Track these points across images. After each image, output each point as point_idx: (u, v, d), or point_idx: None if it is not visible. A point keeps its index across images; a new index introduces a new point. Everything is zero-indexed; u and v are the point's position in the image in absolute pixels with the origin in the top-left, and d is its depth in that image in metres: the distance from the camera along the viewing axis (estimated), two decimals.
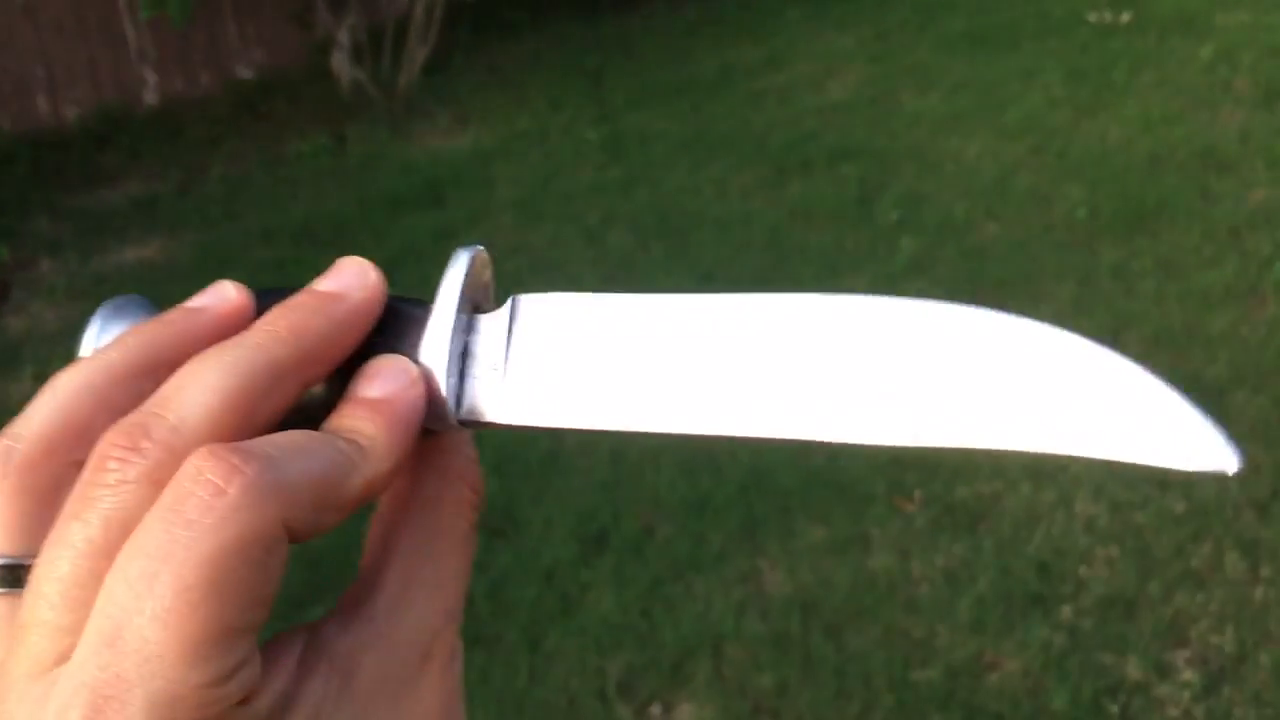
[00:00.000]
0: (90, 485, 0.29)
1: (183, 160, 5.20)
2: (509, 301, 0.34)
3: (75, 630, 0.28)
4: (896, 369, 0.30)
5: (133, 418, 0.30)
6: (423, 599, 0.33)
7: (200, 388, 0.30)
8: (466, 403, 0.34)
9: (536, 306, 0.34)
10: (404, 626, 0.32)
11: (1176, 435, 0.25)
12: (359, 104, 5.49)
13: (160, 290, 4.18)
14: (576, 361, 0.33)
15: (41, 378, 2.34)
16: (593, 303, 0.33)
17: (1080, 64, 4.93)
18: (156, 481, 0.29)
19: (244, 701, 0.28)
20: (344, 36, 5.53)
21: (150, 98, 5.88)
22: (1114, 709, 2.16)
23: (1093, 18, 5.43)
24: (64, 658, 0.28)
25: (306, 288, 0.35)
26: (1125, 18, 5.34)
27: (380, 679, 0.31)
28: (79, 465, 0.30)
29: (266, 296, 0.35)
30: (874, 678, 2.26)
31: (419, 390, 0.33)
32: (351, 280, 0.35)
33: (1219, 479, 2.37)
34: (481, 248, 0.35)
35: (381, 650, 0.32)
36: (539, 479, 2.89)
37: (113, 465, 0.29)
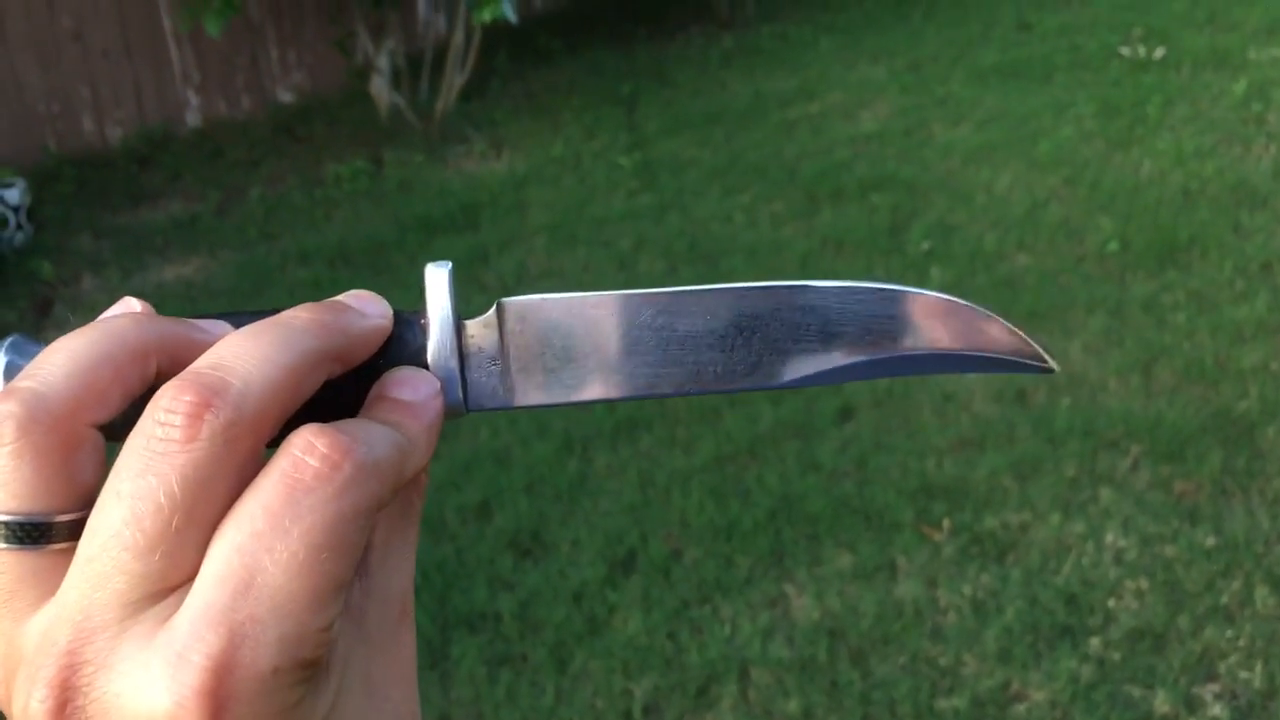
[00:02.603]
0: (159, 440, 0.31)
1: (223, 181, 5.28)
2: (494, 306, 0.40)
3: (165, 577, 0.31)
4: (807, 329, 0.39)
5: (200, 377, 0.32)
6: (401, 559, 0.37)
7: (260, 359, 0.33)
8: (472, 396, 0.39)
9: (519, 308, 0.40)
10: (390, 582, 0.36)
11: (1013, 349, 0.36)
12: (396, 128, 5.56)
13: (199, 307, 4.23)
14: (557, 348, 0.39)
15: None
16: (564, 301, 0.39)
17: (1113, 98, 4.94)
18: (230, 440, 0.31)
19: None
20: (383, 62, 5.61)
21: (192, 120, 5.98)
22: None
23: (1125, 52, 5.44)
24: (156, 599, 0.31)
25: (331, 299, 0.39)
26: (1158, 52, 5.35)
27: (379, 625, 0.36)
28: (94, 429, 0.33)
29: (239, 317, 0.39)
30: (899, 705, 2.27)
31: (441, 399, 0.38)
32: (369, 301, 0.39)
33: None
34: (449, 263, 0.39)
35: (377, 600, 0.36)
36: (568, 501, 2.91)
37: (183, 421, 0.31)
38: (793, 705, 2.29)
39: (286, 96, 6.22)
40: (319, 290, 4.12)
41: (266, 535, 0.30)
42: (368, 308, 0.38)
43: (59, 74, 5.60)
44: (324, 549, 0.31)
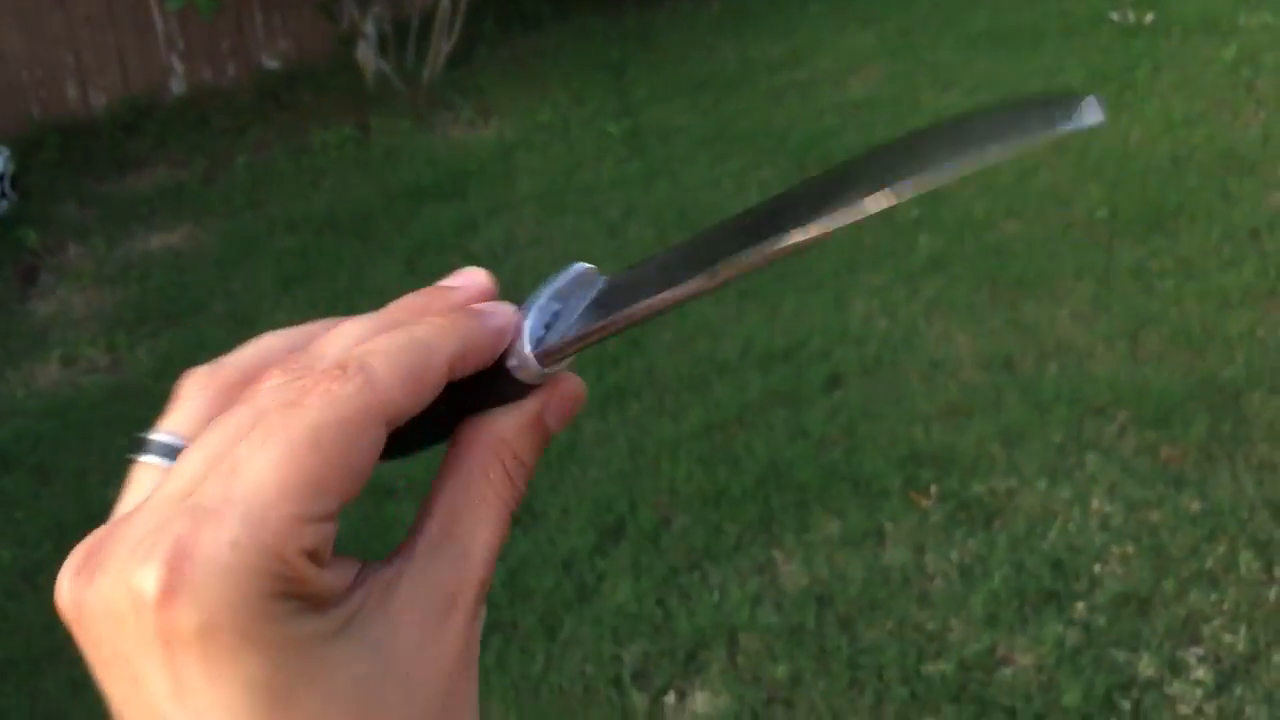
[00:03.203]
0: (252, 390, 0.36)
1: (209, 149, 5.24)
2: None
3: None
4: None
5: (307, 357, 0.38)
6: (451, 554, 0.37)
7: (388, 353, 0.36)
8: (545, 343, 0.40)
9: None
10: (433, 571, 0.37)
11: (1061, 111, 0.34)
12: (383, 95, 5.52)
13: (185, 276, 4.21)
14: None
15: (68, 360, 2.40)
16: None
17: (1102, 64, 4.93)
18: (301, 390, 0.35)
19: (310, 591, 0.33)
20: (369, 28, 5.57)
21: (177, 87, 5.93)
22: (1126, 706, 2.18)
23: (1115, 17, 5.42)
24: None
25: (472, 306, 0.40)
26: (1148, 18, 5.33)
27: (409, 607, 0.36)
28: None
29: None
30: (886, 670, 2.29)
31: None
32: (502, 313, 0.40)
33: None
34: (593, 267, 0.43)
35: (413, 583, 0.37)
36: (557, 469, 2.92)
37: (278, 376, 0.36)
38: (781, 670, 2.31)
39: (272, 63, 6.17)
40: (306, 258, 4.11)
41: (258, 437, 0.33)
42: (492, 318, 0.39)
43: (42, 41, 5.54)
44: (298, 444, 0.33)
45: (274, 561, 0.32)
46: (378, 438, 0.35)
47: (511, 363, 0.39)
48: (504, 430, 0.39)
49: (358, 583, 0.36)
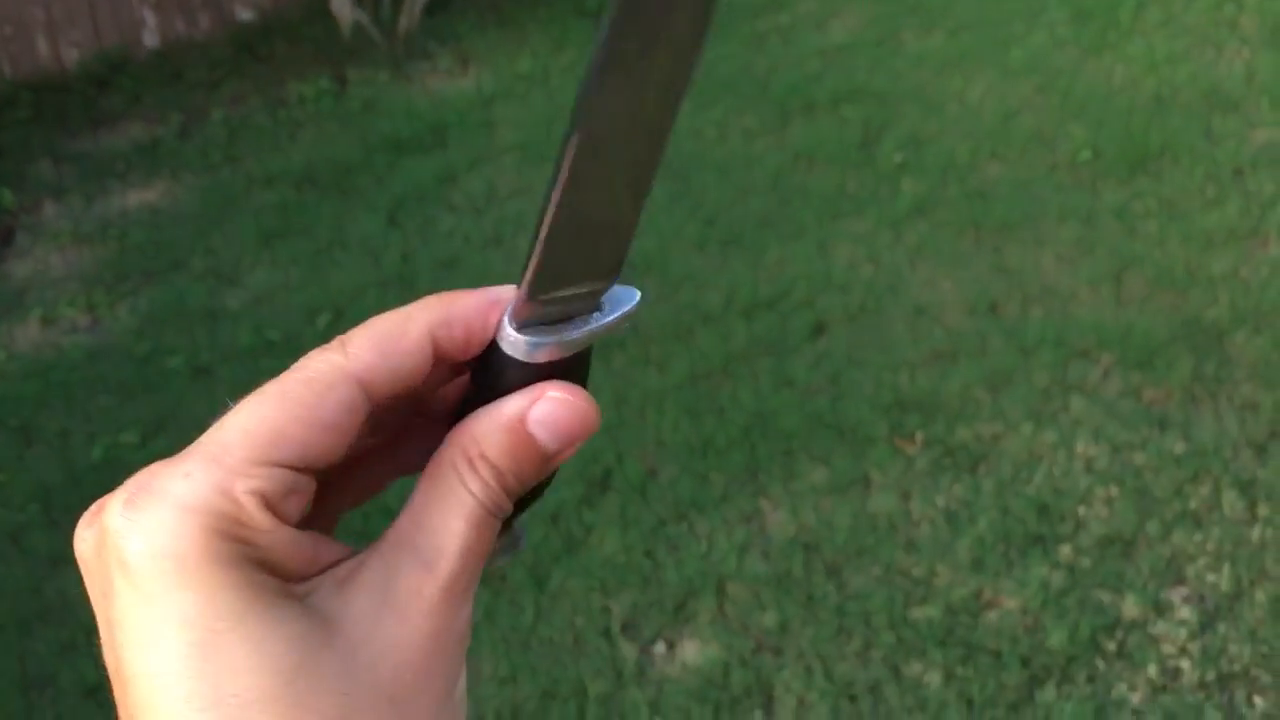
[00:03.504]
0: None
1: (183, 103, 5.18)
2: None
3: None
4: None
5: None
6: (416, 547, 0.37)
7: (367, 324, 0.39)
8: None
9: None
10: (396, 564, 0.37)
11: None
12: (360, 46, 5.45)
13: (164, 234, 4.16)
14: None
15: (48, 321, 2.37)
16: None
17: (1086, 3, 4.89)
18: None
19: (259, 540, 0.34)
20: None
21: (150, 40, 5.84)
22: (1111, 646, 2.20)
23: None
24: None
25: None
26: None
27: (365, 592, 0.36)
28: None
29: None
30: (874, 616, 2.30)
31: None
32: (497, 289, 0.40)
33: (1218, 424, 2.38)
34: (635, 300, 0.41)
35: (373, 573, 0.37)
36: None
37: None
38: (769, 619, 2.32)
39: (246, 14, 6.08)
40: (285, 214, 4.07)
41: (250, 395, 0.37)
42: (485, 290, 0.40)
43: None
44: (263, 395, 0.36)
45: (221, 498, 0.34)
46: (347, 395, 0.36)
47: (500, 336, 0.38)
48: (474, 426, 0.38)
49: (327, 565, 0.36)
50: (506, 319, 0.38)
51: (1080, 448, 2.63)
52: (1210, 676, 2.13)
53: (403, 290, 3.49)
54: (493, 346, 0.38)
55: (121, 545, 0.33)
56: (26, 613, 2.52)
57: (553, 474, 0.40)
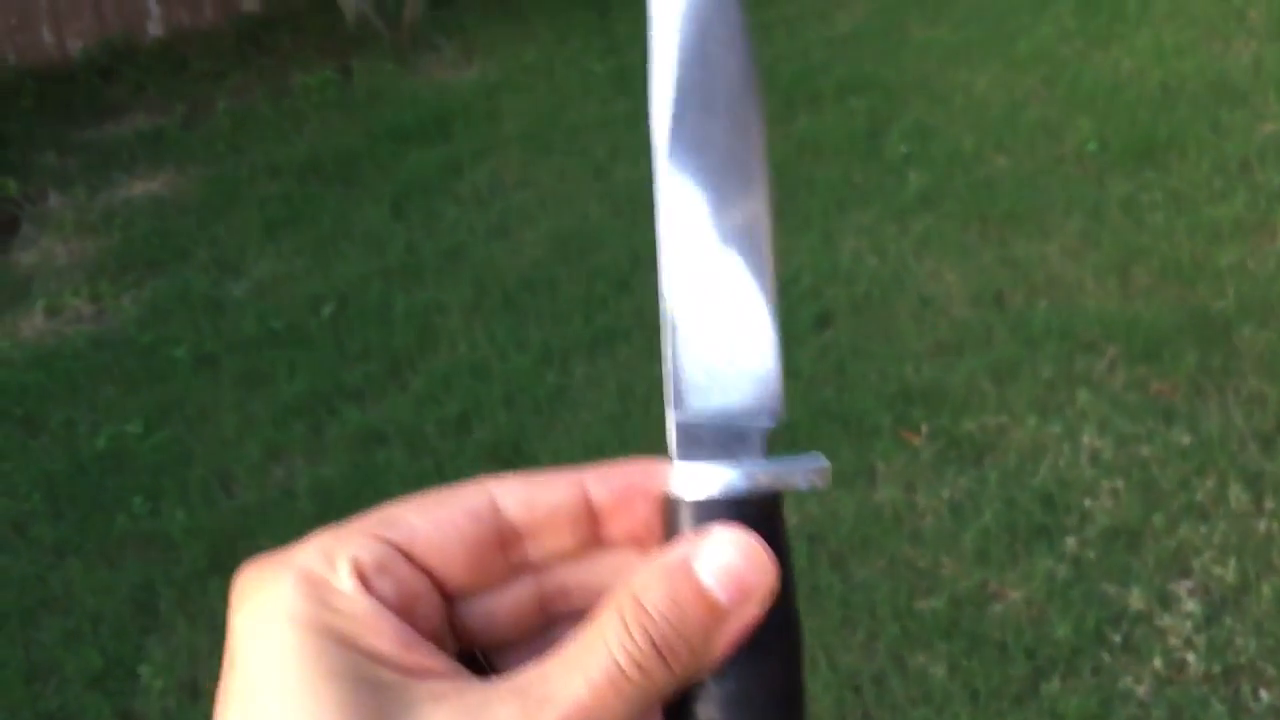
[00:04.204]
0: None
1: (188, 94, 5.17)
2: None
3: None
4: None
5: None
6: (527, 694, 0.34)
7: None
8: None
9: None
10: (497, 704, 0.33)
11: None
12: (364, 37, 5.44)
13: (168, 224, 4.15)
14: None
15: (53, 310, 2.36)
16: None
17: None
18: None
19: (334, 598, 0.34)
20: None
21: (154, 30, 5.84)
22: (1116, 638, 2.20)
23: None
24: None
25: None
26: None
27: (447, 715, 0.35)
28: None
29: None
30: (879, 607, 2.30)
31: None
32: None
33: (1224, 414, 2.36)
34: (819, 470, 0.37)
35: (468, 702, 0.34)
36: (547, 413, 2.91)
37: None
38: None
39: (251, 5, 6.07)
40: (290, 204, 4.06)
41: None
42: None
43: None
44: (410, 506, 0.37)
45: (321, 560, 0.34)
46: (476, 503, 0.36)
47: (669, 477, 0.36)
48: (636, 573, 0.34)
49: (427, 669, 0.34)
50: (674, 455, 0.36)
51: (1086, 440, 2.62)
52: (1216, 669, 2.13)
53: (407, 281, 3.49)
54: (667, 499, 0.36)
55: (232, 615, 0.34)
56: (31, 601, 2.52)
57: (799, 684, 0.36)
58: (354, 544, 0.34)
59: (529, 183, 4.03)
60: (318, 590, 0.33)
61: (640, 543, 0.38)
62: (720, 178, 0.37)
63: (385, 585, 0.34)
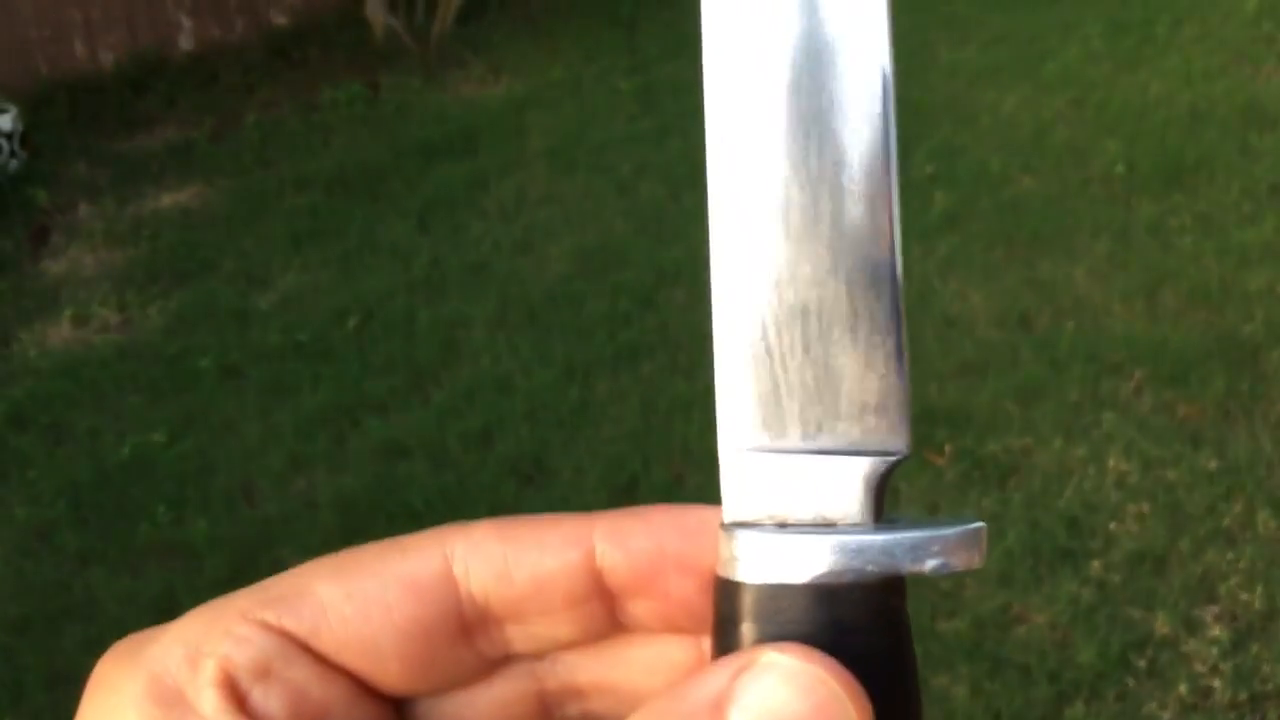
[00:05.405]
0: None
1: (218, 107, 5.21)
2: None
3: None
4: None
5: None
6: None
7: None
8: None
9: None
10: None
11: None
12: (393, 52, 5.48)
13: (196, 235, 4.19)
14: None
15: (80, 320, 2.38)
16: None
17: (1121, 17, 4.86)
18: None
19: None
20: None
21: (186, 44, 5.89)
22: (1141, 664, 2.17)
23: None
24: None
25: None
26: None
27: None
28: None
29: None
30: None
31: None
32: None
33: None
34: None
35: None
36: (569, 428, 2.91)
37: None
38: None
39: (281, 19, 6.12)
40: (316, 217, 4.09)
41: None
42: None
43: None
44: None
45: (180, 658, 0.26)
46: (422, 566, 0.26)
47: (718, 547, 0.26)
48: (649, 704, 0.24)
49: None
50: (727, 509, 0.25)
51: (1112, 463, 2.60)
52: (1242, 696, 2.10)
53: (431, 295, 3.50)
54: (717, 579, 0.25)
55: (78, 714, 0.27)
56: (54, 609, 2.53)
57: None
58: (228, 637, 0.25)
59: (554, 198, 4.04)
60: (167, 711, 0.25)
61: (678, 627, 0.27)
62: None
63: (269, 699, 0.25)
